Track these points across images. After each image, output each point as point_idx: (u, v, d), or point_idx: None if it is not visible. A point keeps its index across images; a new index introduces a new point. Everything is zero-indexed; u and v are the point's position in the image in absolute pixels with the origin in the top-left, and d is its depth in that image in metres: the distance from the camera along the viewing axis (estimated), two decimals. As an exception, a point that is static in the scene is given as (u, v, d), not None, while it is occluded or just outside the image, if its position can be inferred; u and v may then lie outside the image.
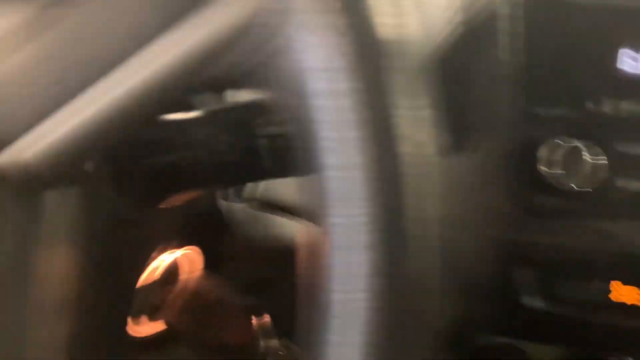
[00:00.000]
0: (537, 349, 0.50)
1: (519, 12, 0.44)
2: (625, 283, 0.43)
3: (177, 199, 0.39)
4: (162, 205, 0.38)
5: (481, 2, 0.44)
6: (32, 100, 0.19)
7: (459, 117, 0.40)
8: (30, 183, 0.20)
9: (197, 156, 0.32)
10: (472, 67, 0.43)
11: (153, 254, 0.41)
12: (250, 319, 0.50)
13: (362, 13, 0.20)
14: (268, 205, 0.51)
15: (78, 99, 0.18)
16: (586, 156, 0.40)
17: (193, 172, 0.33)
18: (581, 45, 0.44)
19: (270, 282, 0.58)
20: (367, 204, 0.20)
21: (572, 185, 0.39)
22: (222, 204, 0.52)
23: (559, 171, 0.39)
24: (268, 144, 0.31)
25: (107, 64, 0.18)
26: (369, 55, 0.21)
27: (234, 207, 0.51)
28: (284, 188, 0.50)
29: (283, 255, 0.55)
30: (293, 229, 0.53)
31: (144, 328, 0.45)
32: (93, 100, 0.18)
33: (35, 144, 0.19)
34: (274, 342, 0.53)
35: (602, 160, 0.41)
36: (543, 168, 0.40)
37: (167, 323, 0.46)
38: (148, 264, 0.41)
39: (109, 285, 0.33)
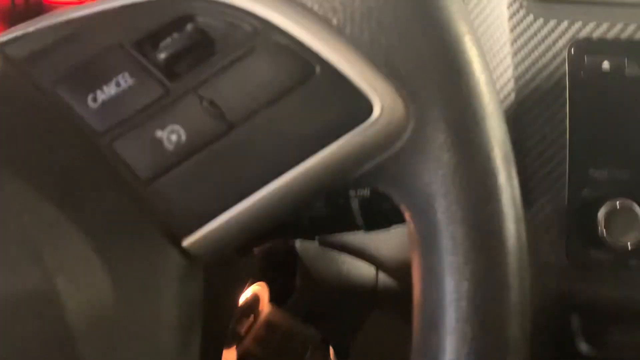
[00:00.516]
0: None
1: (576, 81, 0.48)
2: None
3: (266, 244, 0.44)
4: (255, 251, 0.43)
5: (535, 71, 0.48)
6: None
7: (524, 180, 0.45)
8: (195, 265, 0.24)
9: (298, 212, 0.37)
10: (532, 131, 0.47)
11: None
12: (326, 350, 0.54)
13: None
14: (337, 245, 0.56)
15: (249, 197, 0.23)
16: (633, 213, 0.44)
17: (294, 225, 0.38)
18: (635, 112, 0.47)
19: (330, 315, 0.62)
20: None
21: (628, 243, 0.43)
22: (297, 243, 0.57)
23: (615, 231, 0.43)
24: (359, 203, 0.36)
25: (278, 168, 0.23)
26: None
27: (308, 246, 0.56)
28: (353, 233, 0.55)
29: (347, 290, 0.60)
30: (356, 266, 0.58)
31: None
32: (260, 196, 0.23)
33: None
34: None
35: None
36: (600, 228, 0.43)
37: (244, 353, 0.50)
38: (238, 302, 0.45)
39: (212, 325, 0.38)
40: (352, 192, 0.36)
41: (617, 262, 0.45)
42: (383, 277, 0.57)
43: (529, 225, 0.46)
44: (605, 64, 0.47)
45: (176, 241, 0.23)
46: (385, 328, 0.62)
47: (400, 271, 0.54)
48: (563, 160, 0.47)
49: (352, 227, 0.37)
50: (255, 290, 0.52)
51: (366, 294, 0.59)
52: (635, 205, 0.44)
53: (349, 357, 0.63)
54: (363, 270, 0.57)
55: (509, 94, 0.48)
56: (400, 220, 0.37)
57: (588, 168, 0.46)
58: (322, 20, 0.24)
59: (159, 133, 0.23)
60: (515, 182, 0.26)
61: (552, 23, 0.48)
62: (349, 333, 0.63)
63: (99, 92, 0.24)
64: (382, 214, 0.36)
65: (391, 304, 0.59)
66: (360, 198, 0.36)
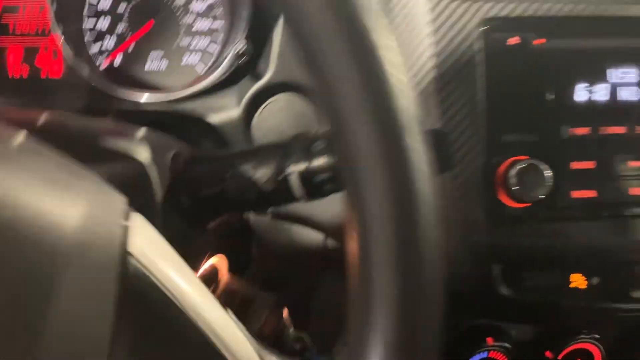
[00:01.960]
0: (511, 327, 0.60)
1: (487, 57, 0.53)
2: (575, 272, 0.54)
3: (220, 220, 0.48)
4: (210, 227, 0.47)
5: (462, 46, 0.53)
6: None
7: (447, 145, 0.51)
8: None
9: (240, 187, 0.41)
10: (451, 102, 0.53)
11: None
12: (280, 312, 0.59)
13: None
14: (287, 217, 0.61)
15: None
16: (539, 171, 0.50)
17: (242, 201, 0.42)
18: (543, 82, 0.54)
19: (286, 280, 0.67)
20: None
21: (530, 195, 0.50)
22: (250, 216, 0.61)
23: (526, 187, 0.50)
24: (297, 177, 0.41)
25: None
26: None
27: (261, 219, 0.61)
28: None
29: (299, 258, 0.65)
30: (306, 233, 0.63)
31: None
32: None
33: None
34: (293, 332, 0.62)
35: (561, 174, 0.52)
36: (513, 184, 0.50)
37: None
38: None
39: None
40: (290, 168, 0.41)
41: (529, 214, 0.52)
42: (331, 242, 0.63)
43: (452, 185, 0.52)
44: (514, 39, 0.53)
45: None
46: (337, 288, 0.67)
47: (343, 234, 0.60)
48: (480, 127, 0.53)
49: (294, 199, 0.42)
50: (214, 262, 0.57)
51: (317, 258, 0.64)
52: (542, 164, 0.50)
53: (309, 318, 0.68)
54: (312, 236, 0.62)
55: (430, 70, 0.53)
56: (336, 189, 0.42)
57: (501, 133, 0.53)
58: None
59: None
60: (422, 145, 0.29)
61: (466, 4, 0.53)
62: (305, 296, 0.69)
63: None
64: (318, 186, 0.41)
65: (341, 265, 0.64)
66: (298, 173, 0.41)
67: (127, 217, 0.29)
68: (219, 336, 0.29)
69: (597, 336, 0.60)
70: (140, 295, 0.27)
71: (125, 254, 0.27)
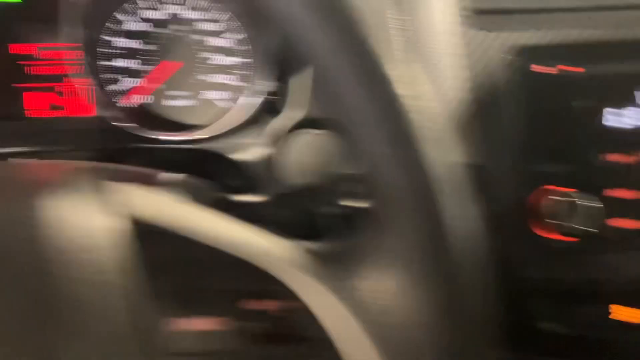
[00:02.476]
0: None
1: (516, 84, 0.52)
2: (623, 304, 0.52)
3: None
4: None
5: (484, 75, 0.53)
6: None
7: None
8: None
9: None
10: (479, 129, 0.52)
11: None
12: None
13: None
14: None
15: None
16: (581, 203, 0.49)
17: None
18: (572, 108, 0.52)
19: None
20: None
21: (573, 229, 0.48)
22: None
23: (561, 218, 0.48)
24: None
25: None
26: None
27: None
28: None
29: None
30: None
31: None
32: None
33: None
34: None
35: (597, 204, 0.50)
36: (547, 217, 0.48)
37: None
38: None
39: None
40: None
41: (567, 247, 0.50)
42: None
43: (488, 217, 0.50)
44: (541, 67, 0.52)
45: None
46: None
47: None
48: (513, 158, 0.51)
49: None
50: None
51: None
52: (575, 195, 0.49)
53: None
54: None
55: (461, 100, 0.52)
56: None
57: (534, 163, 0.51)
58: None
59: None
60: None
61: (493, 34, 0.52)
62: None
63: None
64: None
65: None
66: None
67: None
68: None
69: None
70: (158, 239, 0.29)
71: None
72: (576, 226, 0.49)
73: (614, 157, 0.52)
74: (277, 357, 0.32)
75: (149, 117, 0.59)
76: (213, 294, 0.31)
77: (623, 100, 0.53)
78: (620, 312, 0.52)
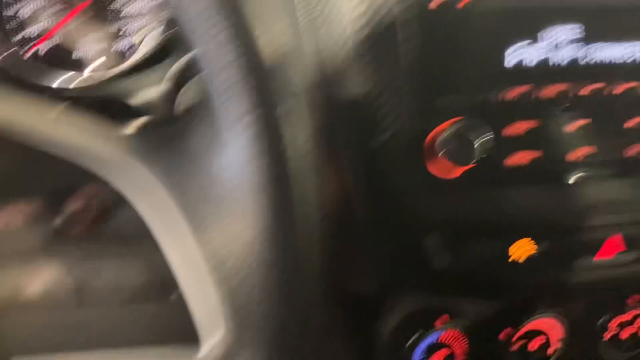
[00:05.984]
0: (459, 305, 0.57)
1: (416, 18, 0.51)
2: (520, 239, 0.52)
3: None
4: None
5: (382, 9, 0.51)
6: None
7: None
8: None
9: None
10: (378, 65, 0.50)
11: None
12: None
13: None
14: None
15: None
16: (471, 136, 0.48)
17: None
18: (473, 45, 0.51)
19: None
20: None
21: (460, 162, 0.47)
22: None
23: (450, 150, 0.47)
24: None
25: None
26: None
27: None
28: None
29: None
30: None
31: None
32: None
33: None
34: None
35: (488, 137, 0.49)
36: (437, 149, 0.47)
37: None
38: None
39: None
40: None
41: (461, 182, 0.49)
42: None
43: (385, 152, 0.49)
44: (437, 2, 0.51)
45: None
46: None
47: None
48: (406, 94, 0.50)
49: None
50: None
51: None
52: (468, 127, 0.48)
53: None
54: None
55: (352, 38, 0.51)
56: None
57: (428, 100, 0.50)
58: None
59: None
60: None
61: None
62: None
63: None
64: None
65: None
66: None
67: None
68: None
69: (556, 310, 0.57)
70: None
71: None
72: (469, 162, 0.48)
73: (513, 94, 0.51)
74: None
75: (52, 68, 0.58)
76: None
77: (526, 36, 0.52)
78: (515, 247, 0.51)
